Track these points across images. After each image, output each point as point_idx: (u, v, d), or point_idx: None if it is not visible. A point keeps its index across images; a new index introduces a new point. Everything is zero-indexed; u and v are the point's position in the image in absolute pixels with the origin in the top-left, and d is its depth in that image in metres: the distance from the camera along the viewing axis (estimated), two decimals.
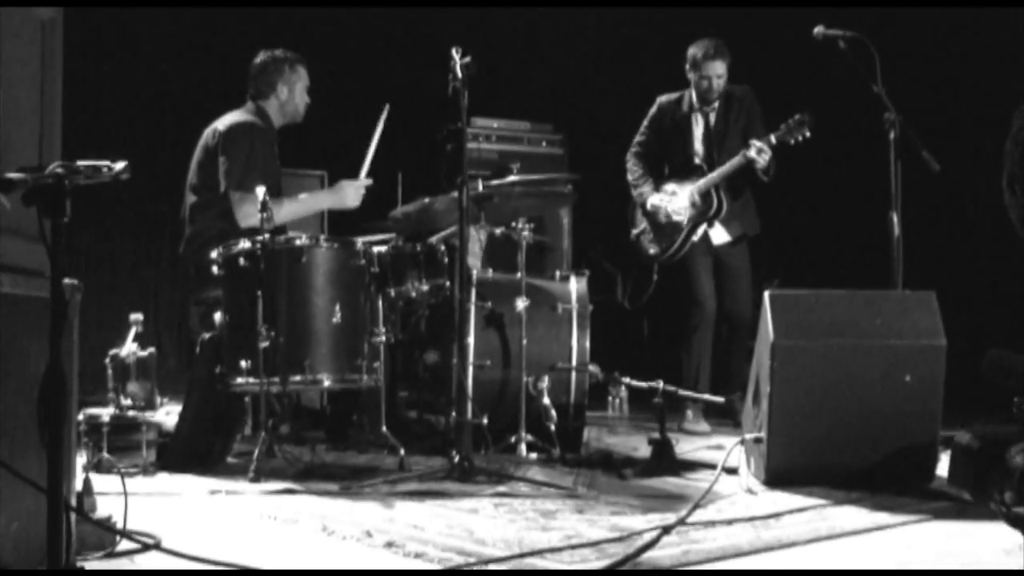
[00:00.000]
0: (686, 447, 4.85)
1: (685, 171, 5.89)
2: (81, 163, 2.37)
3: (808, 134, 5.52)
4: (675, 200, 5.81)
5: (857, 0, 6.48)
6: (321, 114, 5.37)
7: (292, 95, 4.97)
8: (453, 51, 4.40)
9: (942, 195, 6.08)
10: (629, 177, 6.02)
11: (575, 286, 4.69)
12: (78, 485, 2.83)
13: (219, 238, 4.61)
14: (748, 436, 3.94)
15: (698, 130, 5.95)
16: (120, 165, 2.39)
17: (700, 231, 5.85)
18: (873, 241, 5.08)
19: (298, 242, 4.09)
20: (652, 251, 5.89)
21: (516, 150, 6.91)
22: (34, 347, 2.51)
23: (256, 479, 3.85)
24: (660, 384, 4.28)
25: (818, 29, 5.09)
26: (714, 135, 5.90)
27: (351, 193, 4.83)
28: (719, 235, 5.91)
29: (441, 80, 7.54)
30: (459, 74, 4.18)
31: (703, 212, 5.77)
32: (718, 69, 5.79)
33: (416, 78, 7.58)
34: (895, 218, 4.83)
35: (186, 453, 4.17)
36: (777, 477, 3.80)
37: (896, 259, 4.81)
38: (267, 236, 4.02)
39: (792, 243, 7.41)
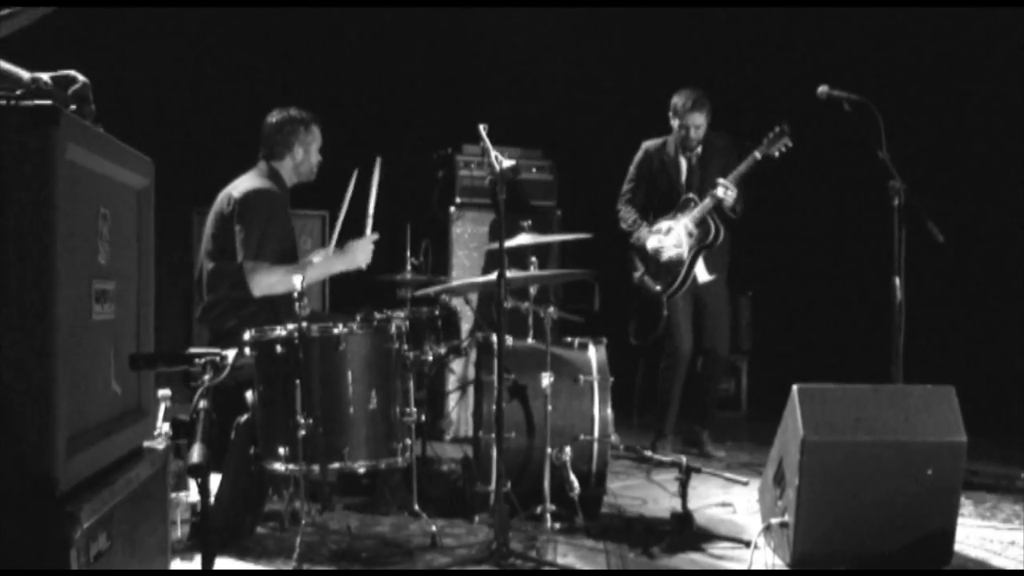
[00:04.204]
0: (695, 502, 5.00)
1: (675, 205, 6.06)
2: (198, 354, 2.42)
3: (790, 144, 5.79)
4: (671, 235, 5.99)
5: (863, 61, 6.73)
6: (321, 153, 5.35)
7: (308, 156, 4.95)
8: (481, 128, 4.41)
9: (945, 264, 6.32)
10: (623, 225, 6.23)
11: (594, 355, 4.79)
12: None
13: (237, 307, 4.65)
14: (774, 521, 4.11)
15: (683, 172, 6.18)
16: (231, 355, 2.44)
17: (700, 260, 6.05)
18: (876, 306, 5.29)
19: (335, 330, 4.12)
20: (659, 288, 6.06)
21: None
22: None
23: (299, 566, 3.92)
24: (683, 460, 4.42)
25: (822, 88, 5.21)
26: (698, 177, 6.09)
27: (361, 254, 4.82)
28: (702, 274, 6.14)
29: (431, 110, 7.57)
30: (498, 172, 4.17)
31: (701, 239, 5.99)
32: (697, 120, 6.04)
33: (410, 108, 7.61)
34: (898, 283, 5.01)
35: (221, 532, 4.22)
36: (802, 561, 3.97)
37: (898, 324, 4.99)
38: (304, 324, 4.05)
39: (794, 304, 7.74)
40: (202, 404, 2.08)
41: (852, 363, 6.31)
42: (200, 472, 1.90)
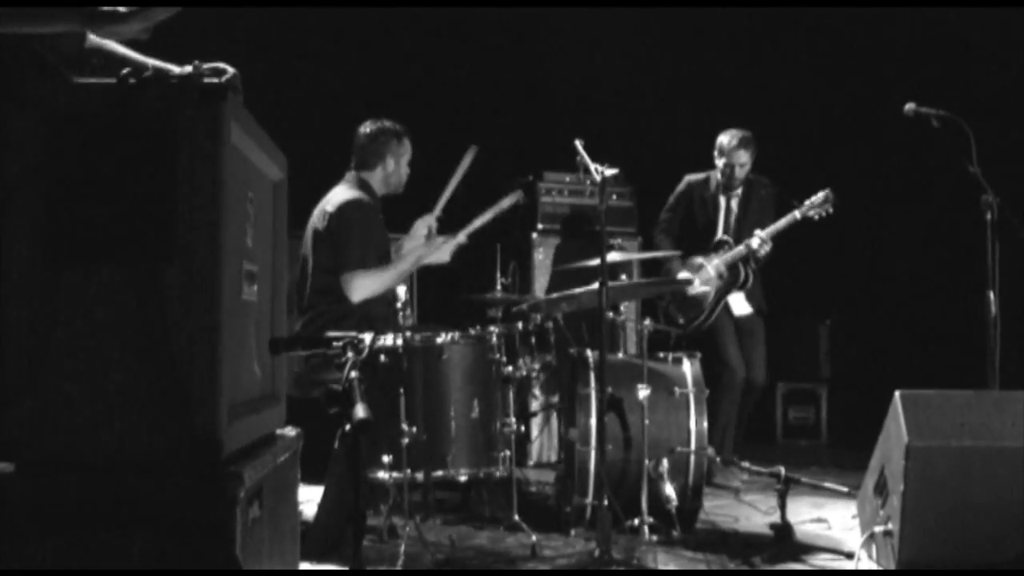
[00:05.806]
0: (791, 516, 4.97)
1: (710, 244, 6.20)
2: (335, 337, 2.50)
3: (831, 211, 5.95)
4: (701, 272, 6.11)
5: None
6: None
7: (398, 168, 5.04)
8: (577, 143, 4.51)
9: None
10: (657, 252, 6.26)
11: (689, 369, 4.83)
12: None
13: (336, 320, 4.72)
14: (877, 529, 4.08)
15: (721, 211, 6.30)
16: (367, 338, 2.51)
17: (724, 301, 6.17)
18: (960, 330, 5.26)
19: (438, 340, 4.20)
20: (681, 320, 6.14)
21: (587, 203, 6.99)
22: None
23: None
24: (782, 470, 4.41)
25: (909, 106, 5.22)
26: (736, 218, 6.26)
27: (447, 252, 4.92)
28: (740, 307, 6.23)
29: (512, 136, 7.64)
30: (597, 181, 4.28)
31: (730, 283, 6.13)
32: (741, 158, 6.17)
33: (491, 134, 7.69)
34: (992, 296, 4.98)
35: (324, 541, 4.28)
36: (908, 568, 3.95)
37: (993, 338, 4.96)
38: (409, 334, 4.14)
39: (872, 332, 7.66)
40: (353, 374, 2.15)
41: (938, 387, 6.25)
42: (368, 427, 1.97)
